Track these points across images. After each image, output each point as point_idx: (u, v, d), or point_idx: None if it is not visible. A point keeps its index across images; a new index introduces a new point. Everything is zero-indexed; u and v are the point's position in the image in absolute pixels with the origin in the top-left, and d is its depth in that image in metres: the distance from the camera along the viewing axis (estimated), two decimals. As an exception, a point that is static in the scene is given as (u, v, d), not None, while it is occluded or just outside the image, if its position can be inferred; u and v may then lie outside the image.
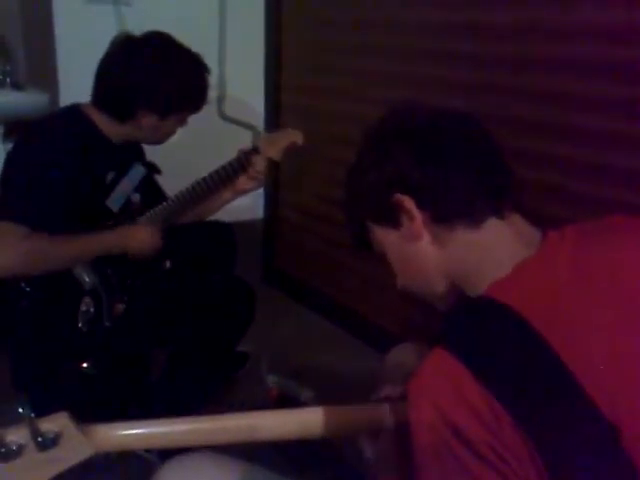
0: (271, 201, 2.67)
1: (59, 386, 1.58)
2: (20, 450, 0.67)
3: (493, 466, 0.62)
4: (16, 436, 0.68)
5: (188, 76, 1.57)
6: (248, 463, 0.95)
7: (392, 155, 0.81)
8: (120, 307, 1.59)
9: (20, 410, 0.67)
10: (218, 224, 1.89)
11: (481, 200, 0.78)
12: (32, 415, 0.68)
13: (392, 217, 0.81)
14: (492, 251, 0.78)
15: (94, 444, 0.73)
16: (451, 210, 0.78)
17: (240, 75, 2.45)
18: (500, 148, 0.83)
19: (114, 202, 1.59)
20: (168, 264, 1.76)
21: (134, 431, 0.77)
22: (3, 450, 0.65)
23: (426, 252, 0.81)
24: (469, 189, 0.78)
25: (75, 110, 1.57)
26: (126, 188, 1.62)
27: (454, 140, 0.80)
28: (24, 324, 1.53)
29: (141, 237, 1.59)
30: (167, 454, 0.97)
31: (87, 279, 1.54)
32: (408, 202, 0.78)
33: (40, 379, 1.59)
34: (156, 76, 1.52)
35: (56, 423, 0.71)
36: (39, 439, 0.68)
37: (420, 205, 0.79)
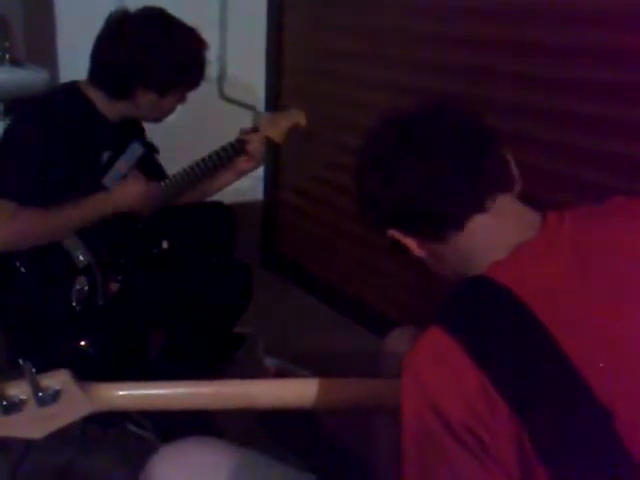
0: (271, 184, 2.66)
1: (56, 364, 1.57)
2: (21, 404, 0.67)
3: (470, 450, 0.62)
4: (17, 390, 0.68)
5: (186, 52, 1.55)
6: (244, 449, 0.95)
7: (365, 189, 0.85)
8: (114, 286, 1.58)
9: (20, 362, 0.67)
10: (218, 205, 1.88)
11: (456, 205, 0.79)
12: (33, 370, 0.68)
13: (398, 246, 0.85)
14: (486, 241, 0.79)
15: (94, 403, 0.73)
16: (431, 228, 0.81)
17: (241, 56, 2.43)
18: (483, 132, 0.82)
19: (110, 181, 1.58)
20: (165, 244, 1.75)
21: (134, 392, 0.78)
22: (5, 403, 0.66)
23: (432, 264, 0.85)
24: (440, 199, 0.78)
25: (72, 88, 1.56)
26: (123, 167, 1.61)
27: (423, 150, 0.80)
28: (18, 303, 1.53)
29: (131, 190, 1.56)
30: (166, 434, 0.96)
31: (81, 258, 1.53)
32: (397, 234, 0.83)
33: (36, 358, 1.58)
34: (153, 53, 1.50)
35: (57, 380, 0.71)
36: (40, 394, 0.68)
37: (407, 233, 0.82)
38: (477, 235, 0.79)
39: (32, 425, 0.67)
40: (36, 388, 0.68)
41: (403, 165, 0.80)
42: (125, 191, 1.55)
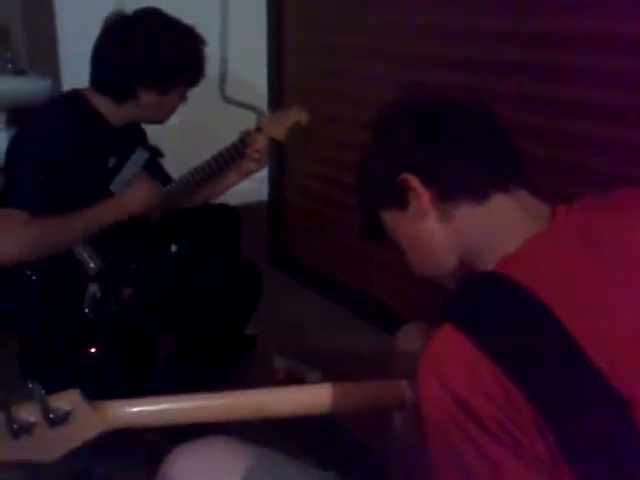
0: (275, 183, 2.66)
1: (67, 372, 1.58)
2: (31, 427, 0.67)
3: (500, 440, 0.62)
4: (28, 412, 0.68)
5: (184, 49, 1.56)
6: (260, 448, 0.94)
7: (394, 137, 0.82)
8: (127, 291, 1.59)
9: (30, 385, 0.67)
10: (224, 207, 1.89)
11: (484, 175, 0.78)
12: (43, 392, 0.68)
13: (399, 198, 0.81)
14: (499, 225, 0.78)
15: (104, 421, 0.74)
16: (455, 185, 0.78)
17: (242, 56, 2.43)
18: (506, 128, 0.83)
19: (117, 187, 1.58)
20: (174, 248, 1.76)
21: (144, 408, 0.78)
22: (15, 426, 0.66)
23: (434, 230, 0.81)
24: (471, 164, 0.78)
25: (75, 95, 1.56)
26: (129, 173, 1.61)
27: (455, 119, 0.81)
28: (30, 312, 1.54)
29: (139, 197, 1.57)
30: (178, 439, 0.96)
31: (92, 265, 1.54)
32: (413, 180, 0.79)
33: (48, 366, 1.59)
34: (152, 52, 1.51)
35: (67, 400, 0.71)
36: (50, 416, 0.68)
37: (425, 182, 0.79)
38: (492, 215, 0.78)
39: (44, 447, 0.67)
40: (46, 410, 0.68)
41: (444, 123, 0.80)
42: (137, 192, 1.56)
